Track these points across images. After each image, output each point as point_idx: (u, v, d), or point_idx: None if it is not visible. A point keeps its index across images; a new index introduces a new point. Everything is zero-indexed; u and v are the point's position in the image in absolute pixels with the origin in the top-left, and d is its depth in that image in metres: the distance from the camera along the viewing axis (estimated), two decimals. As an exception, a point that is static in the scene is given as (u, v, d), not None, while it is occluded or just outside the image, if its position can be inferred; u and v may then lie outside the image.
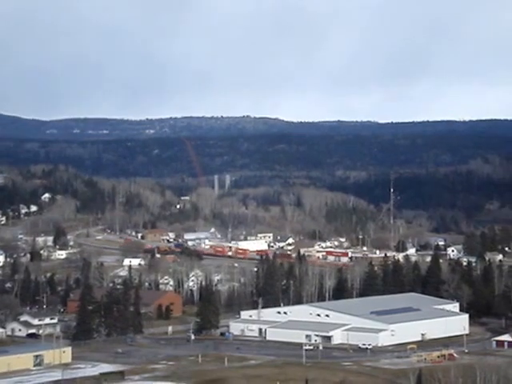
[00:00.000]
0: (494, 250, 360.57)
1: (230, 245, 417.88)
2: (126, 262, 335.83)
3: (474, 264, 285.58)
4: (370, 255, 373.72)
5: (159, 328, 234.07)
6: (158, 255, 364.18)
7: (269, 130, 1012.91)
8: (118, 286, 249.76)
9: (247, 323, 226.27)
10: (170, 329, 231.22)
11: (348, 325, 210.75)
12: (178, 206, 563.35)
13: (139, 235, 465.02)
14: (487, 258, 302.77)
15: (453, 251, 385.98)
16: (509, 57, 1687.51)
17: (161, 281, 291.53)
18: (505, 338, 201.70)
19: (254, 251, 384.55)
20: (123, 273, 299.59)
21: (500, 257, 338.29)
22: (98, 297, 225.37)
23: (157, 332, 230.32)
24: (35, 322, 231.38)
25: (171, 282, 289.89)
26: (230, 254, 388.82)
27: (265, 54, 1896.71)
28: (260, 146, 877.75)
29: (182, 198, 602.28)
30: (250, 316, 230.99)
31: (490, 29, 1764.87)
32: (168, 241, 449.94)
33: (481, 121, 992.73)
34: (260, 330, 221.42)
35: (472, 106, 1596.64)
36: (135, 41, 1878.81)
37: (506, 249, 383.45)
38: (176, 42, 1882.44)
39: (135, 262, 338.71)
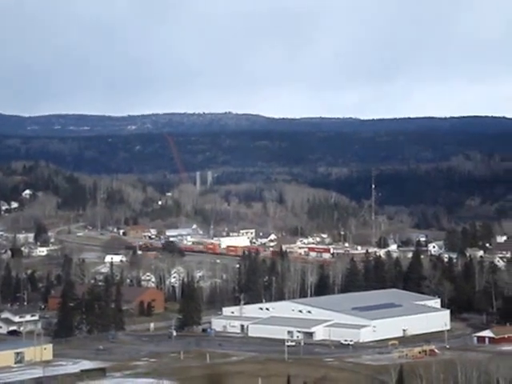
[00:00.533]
0: (474, 246, 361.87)
1: (220, 242, 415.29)
2: (108, 258, 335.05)
3: (455, 260, 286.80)
4: (352, 251, 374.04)
5: (141, 325, 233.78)
6: (139, 252, 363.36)
7: (251, 126, 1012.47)
8: (100, 283, 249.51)
9: (229, 319, 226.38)
10: (151, 325, 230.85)
11: (330, 321, 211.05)
12: (159, 203, 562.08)
13: (121, 232, 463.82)
14: (468, 254, 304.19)
15: (434, 247, 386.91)
16: (490, 53, 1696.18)
17: (143, 277, 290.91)
18: (486, 333, 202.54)
19: (244, 247, 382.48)
20: (105, 269, 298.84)
21: (481, 253, 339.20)
22: (79, 293, 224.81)
23: (138, 329, 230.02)
24: (16, 319, 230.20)
25: (153, 279, 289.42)
26: (220, 251, 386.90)
27: (247, 51, 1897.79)
28: (242, 142, 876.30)
29: (167, 194, 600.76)
30: (232, 312, 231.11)
31: (471, 25, 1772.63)
32: (150, 237, 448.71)
33: (462, 117, 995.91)
34: (242, 326, 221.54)
35: (453, 102, 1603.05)
36: (117, 37, 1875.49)
37: (487, 245, 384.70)
38: (158, 39, 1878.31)
39: (117, 258, 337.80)
